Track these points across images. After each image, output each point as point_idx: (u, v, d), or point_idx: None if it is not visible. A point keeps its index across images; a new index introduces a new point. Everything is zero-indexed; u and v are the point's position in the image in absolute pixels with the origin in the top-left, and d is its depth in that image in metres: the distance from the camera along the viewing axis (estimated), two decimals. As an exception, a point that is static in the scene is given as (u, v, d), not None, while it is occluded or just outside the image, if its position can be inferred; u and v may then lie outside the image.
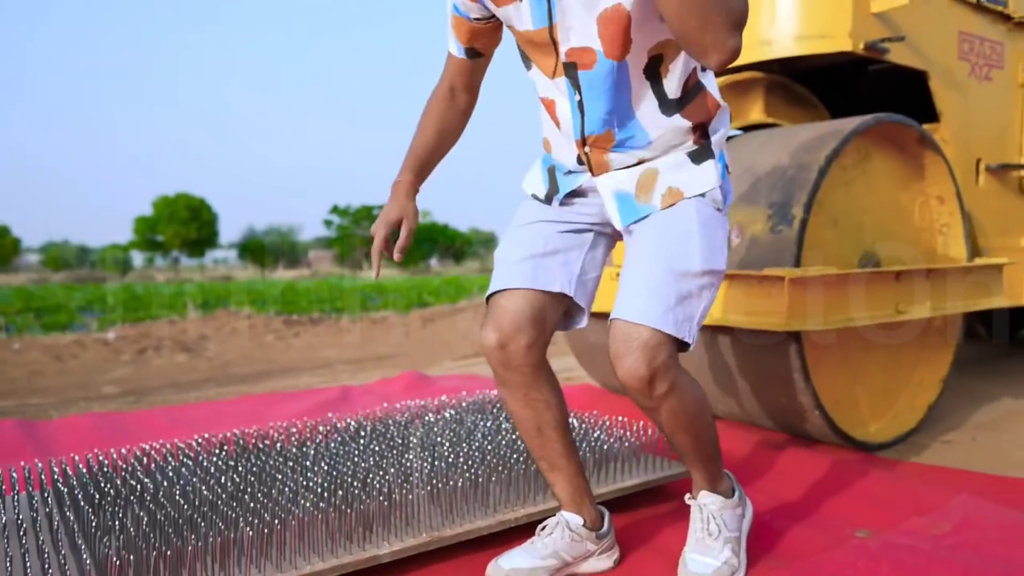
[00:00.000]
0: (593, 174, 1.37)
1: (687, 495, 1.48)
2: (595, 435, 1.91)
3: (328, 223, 51.19)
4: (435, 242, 52.48)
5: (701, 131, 1.36)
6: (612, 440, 1.90)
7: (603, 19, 1.20)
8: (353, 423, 2.13)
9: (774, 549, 1.57)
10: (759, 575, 1.44)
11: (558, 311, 1.39)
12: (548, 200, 1.45)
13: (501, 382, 1.37)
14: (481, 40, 1.43)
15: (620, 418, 2.09)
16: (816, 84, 2.94)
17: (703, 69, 1.35)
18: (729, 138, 2.56)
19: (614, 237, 1.50)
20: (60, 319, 11.12)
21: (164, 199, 47.11)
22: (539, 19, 1.25)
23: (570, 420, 2.05)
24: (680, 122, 1.32)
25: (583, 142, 1.33)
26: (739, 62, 2.66)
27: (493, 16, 1.37)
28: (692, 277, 1.28)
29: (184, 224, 47.11)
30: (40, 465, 1.92)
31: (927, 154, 2.52)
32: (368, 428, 2.08)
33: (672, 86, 1.30)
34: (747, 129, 2.80)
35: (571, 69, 1.27)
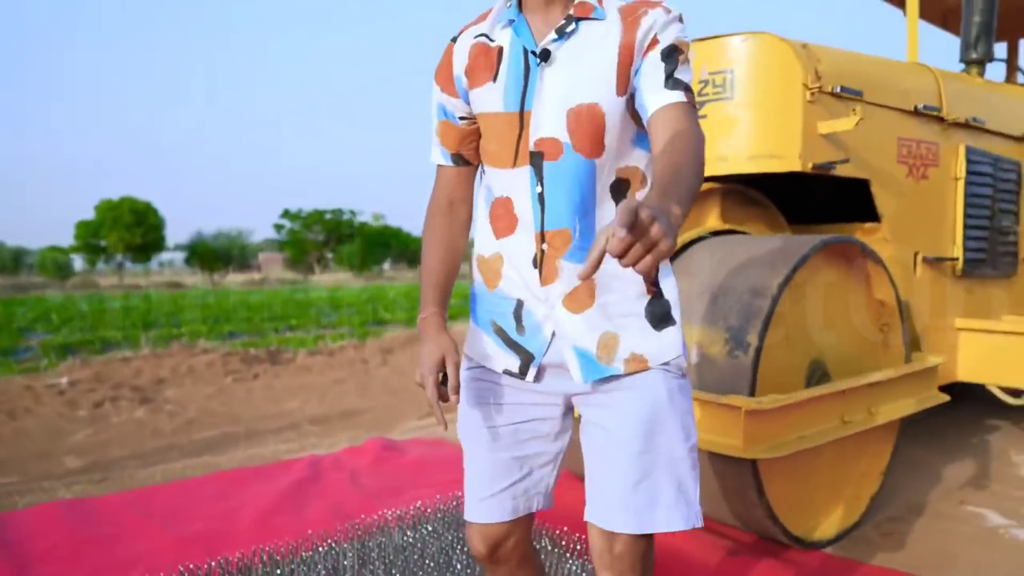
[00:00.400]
0: (541, 283, 1.30)
1: None
2: (568, 566, 2.03)
3: (279, 227, 50.40)
4: (388, 247, 52.10)
5: (655, 282, 1.33)
6: (581, 567, 2.01)
7: (575, 112, 1.23)
8: (337, 552, 2.20)
9: None
10: None
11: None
12: (523, 372, 1.34)
13: (490, 571, 1.46)
14: (469, 146, 1.41)
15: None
16: (770, 188, 3.10)
17: None
18: (687, 246, 2.71)
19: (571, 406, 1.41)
20: (2, 342, 10.82)
21: (107, 203, 45.75)
22: (511, 103, 1.27)
23: (544, 542, 2.16)
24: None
25: (541, 236, 1.29)
26: (697, 174, 2.81)
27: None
28: (680, 460, 1.27)
29: (129, 229, 45.85)
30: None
31: (869, 263, 2.71)
32: (351, 561, 2.16)
33: None
34: (709, 236, 2.94)
35: (537, 159, 1.27)
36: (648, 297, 1.31)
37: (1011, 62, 4.93)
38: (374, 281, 43.99)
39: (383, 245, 52.35)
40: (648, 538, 1.30)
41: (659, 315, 1.32)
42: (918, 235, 3.22)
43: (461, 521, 2.47)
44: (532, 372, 1.34)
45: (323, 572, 2.02)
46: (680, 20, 1.27)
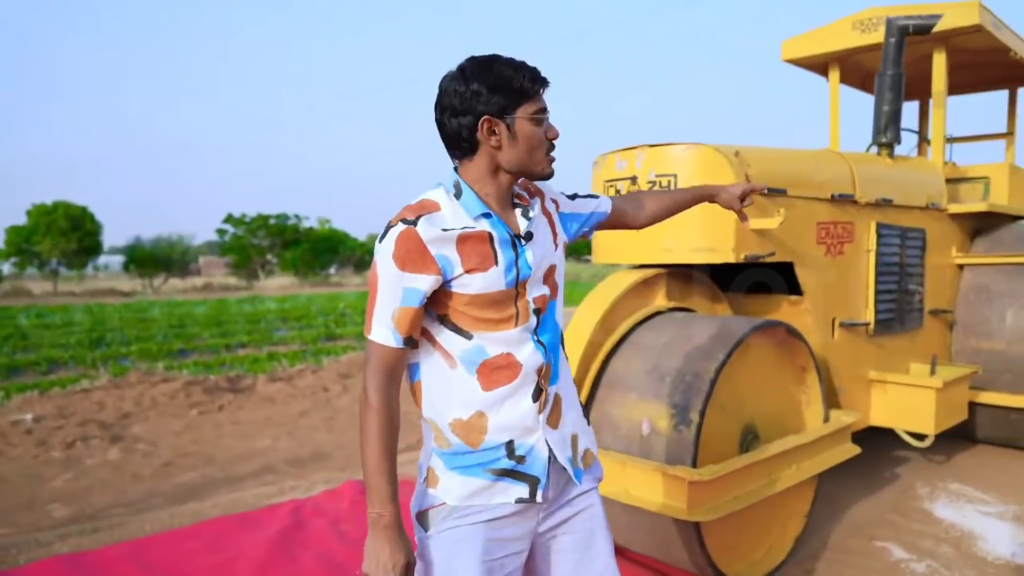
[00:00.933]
0: (539, 411, 1.52)
1: None
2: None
3: (222, 232, 49.50)
4: (335, 252, 51.69)
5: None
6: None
7: (548, 271, 1.59)
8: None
9: None
10: None
11: None
12: (533, 495, 1.52)
13: None
14: (418, 327, 1.50)
15: None
16: (709, 268, 3.53)
17: None
18: (638, 324, 3.11)
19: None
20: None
21: (40, 208, 44.27)
22: (510, 280, 1.50)
23: None
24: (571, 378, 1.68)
25: (540, 371, 1.54)
26: (646, 262, 3.23)
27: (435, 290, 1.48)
28: None
29: (64, 235, 44.43)
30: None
31: (792, 339, 3.16)
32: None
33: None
34: (659, 314, 3.34)
35: (537, 313, 1.55)
36: (580, 408, 1.69)
37: (921, 129, 5.50)
38: (320, 287, 43.62)
39: (329, 250, 51.87)
40: None
41: (586, 420, 1.73)
42: (835, 303, 3.70)
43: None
44: (540, 494, 1.53)
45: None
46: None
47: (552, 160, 1.56)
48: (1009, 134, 5.95)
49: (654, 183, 3.11)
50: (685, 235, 3.08)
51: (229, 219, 50.04)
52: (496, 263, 1.50)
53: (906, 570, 3.15)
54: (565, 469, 1.60)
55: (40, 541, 3.64)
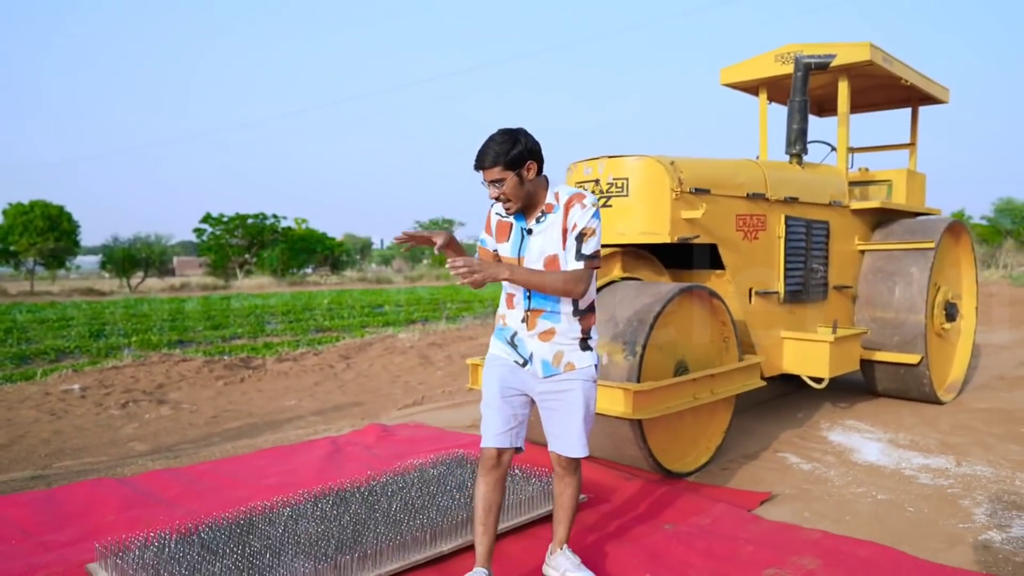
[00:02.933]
0: (528, 329, 2.61)
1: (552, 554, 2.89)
2: (531, 482, 3.48)
3: (199, 232, 49.82)
4: (313, 252, 52.25)
5: (585, 331, 2.63)
6: (539, 483, 3.47)
7: (548, 259, 2.54)
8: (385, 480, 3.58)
9: (612, 537, 3.19)
10: (602, 550, 3.05)
11: None
12: (522, 364, 2.64)
13: (483, 477, 2.61)
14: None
15: (540, 468, 3.68)
16: (654, 248, 4.64)
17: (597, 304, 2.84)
18: (602, 288, 4.20)
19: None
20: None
21: (17, 207, 44.41)
22: (515, 253, 2.62)
23: (513, 471, 3.61)
24: (575, 323, 2.61)
25: (528, 310, 2.62)
26: (605, 243, 4.33)
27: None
28: (585, 422, 2.64)
29: (41, 234, 44.56)
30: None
31: (714, 301, 4.28)
32: (398, 486, 3.55)
33: (583, 302, 2.60)
34: (616, 282, 4.44)
35: None
36: (580, 338, 2.64)
37: (841, 141, 6.67)
38: (298, 286, 44.25)
39: (307, 250, 52.37)
40: (576, 460, 2.71)
41: (583, 347, 2.66)
42: (752, 276, 4.84)
43: (456, 467, 3.88)
44: (524, 364, 2.65)
45: (389, 491, 3.39)
46: (593, 206, 2.56)
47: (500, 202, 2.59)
48: (911, 144, 7.16)
49: (612, 184, 4.22)
50: (634, 222, 4.19)
51: (207, 219, 50.30)
52: (508, 240, 2.68)
53: (796, 469, 4.29)
54: (545, 362, 2.63)
55: (137, 463, 4.64)
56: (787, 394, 6.30)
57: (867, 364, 5.92)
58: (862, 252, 6.08)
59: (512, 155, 2.47)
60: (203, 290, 41.23)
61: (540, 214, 2.60)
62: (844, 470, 4.25)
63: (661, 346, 3.98)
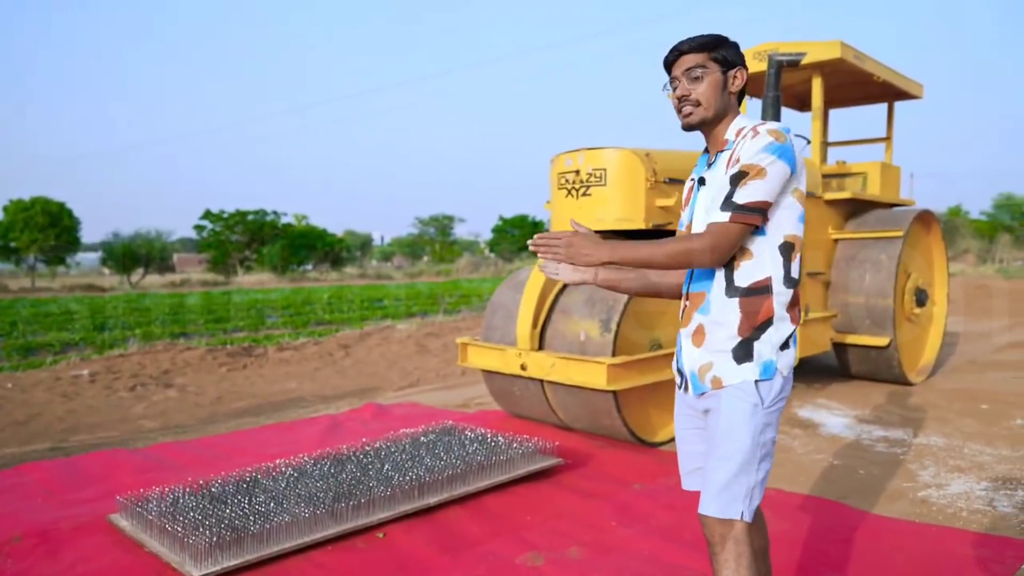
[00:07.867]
0: (683, 325, 1.87)
1: None
2: (512, 446, 3.80)
3: (200, 228, 50.11)
4: (313, 248, 52.56)
5: (749, 325, 1.72)
6: (520, 447, 3.78)
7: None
8: (385, 444, 3.90)
9: (586, 494, 3.50)
10: (575, 504, 3.36)
11: None
12: (682, 386, 1.90)
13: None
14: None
15: (523, 436, 3.99)
16: (632, 234, 4.94)
17: (787, 282, 1.76)
18: (581, 272, 4.51)
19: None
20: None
21: (18, 203, 44.73)
22: (685, 221, 1.92)
23: (497, 438, 3.92)
24: (732, 311, 1.75)
25: (686, 296, 1.87)
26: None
27: None
28: (727, 462, 1.71)
29: (42, 231, 44.88)
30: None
31: (686, 282, 4.58)
32: (395, 449, 3.86)
33: (741, 277, 1.74)
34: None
35: None
36: (739, 339, 1.74)
37: (815, 135, 6.97)
38: (298, 282, 44.55)
39: (307, 247, 52.67)
40: (717, 521, 1.76)
41: (743, 351, 1.74)
42: (725, 262, 5.14)
43: (444, 435, 4.19)
44: (681, 384, 1.90)
45: (382, 455, 3.70)
46: (770, 135, 1.70)
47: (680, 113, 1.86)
48: (887, 138, 7.46)
49: (591, 174, 4.52)
50: (611, 209, 4.49)
51: (207, 215, 50.57)
52: (685, 205, 1.99)
53: (764, 440, 4.59)
54: (691, 372, 1.85)
55: (149, 437, 4.96)
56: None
57: (840, 348, 6.23)
58: (836, 241, 6.39)
59: (721, 49, 1.82)
60: (203, 286, 41.48)
61: (714, 157, 1.86)
62: (807, 440, 4.56)
63: (636, 324, 4.29)
